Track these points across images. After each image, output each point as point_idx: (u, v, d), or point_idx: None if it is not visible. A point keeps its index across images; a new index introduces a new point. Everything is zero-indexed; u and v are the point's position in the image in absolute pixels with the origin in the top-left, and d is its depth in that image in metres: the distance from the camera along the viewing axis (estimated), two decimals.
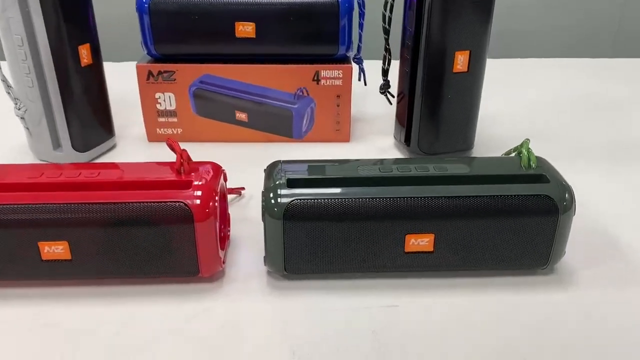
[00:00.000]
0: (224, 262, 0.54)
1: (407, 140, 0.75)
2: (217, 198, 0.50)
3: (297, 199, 0.49)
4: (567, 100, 0.96)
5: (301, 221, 0.49)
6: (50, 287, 0.52)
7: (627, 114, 0.91)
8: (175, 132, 0.80)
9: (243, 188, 0.67)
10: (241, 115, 0.79)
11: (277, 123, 0.79)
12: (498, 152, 0.76)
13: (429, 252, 0.51)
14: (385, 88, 0.76)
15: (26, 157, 0.76)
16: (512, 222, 0.50)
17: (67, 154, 0.73)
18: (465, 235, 0.51)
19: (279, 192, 0.50)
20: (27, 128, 0.73)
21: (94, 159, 0.76)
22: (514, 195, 0.50)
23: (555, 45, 1.33)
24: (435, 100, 0.70)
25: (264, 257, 0.52)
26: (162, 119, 0.79)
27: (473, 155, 0.76)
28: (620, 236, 0.60)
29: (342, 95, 0.78)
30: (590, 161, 0.77)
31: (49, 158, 0.74)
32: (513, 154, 0.57)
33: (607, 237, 0.60)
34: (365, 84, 0.81)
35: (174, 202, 0.49)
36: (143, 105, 0.78)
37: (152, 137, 0.80)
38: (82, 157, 0.74)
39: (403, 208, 0.49)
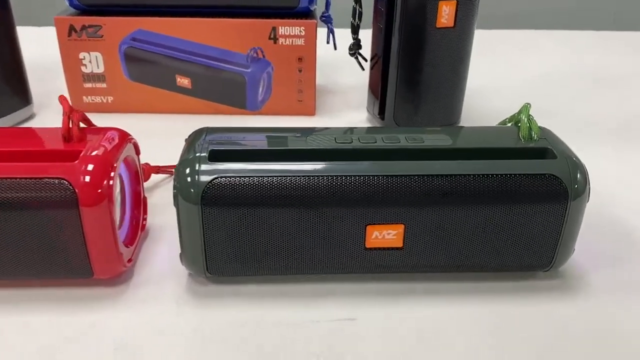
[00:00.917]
0: (130, 261, 0.41)
1: (382, 113, 0.63)
2: (113, 174, 0.37)
3: (220, 177, 0.37)
4: (570, 74, 0.83)
5: (226, 207, 0.37)
6: None
7: (637, 88, 0.79)
8: (105, 100, 0.67)
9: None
10: (183, 81, 0.66)
11: (227, 91, 0.66)
12: None
13: (397, 248, 0.39)
14: (355, 48, 0.63)
15: None
16: (505, 209, 0.38)
17: None
18: (445, 226, 0.38)
19: (196, 168, 0.37)
20: None
21: None
22: (509, 175, 0.38)
23: (556, 17, 1.21)
24: (415, 63, 0.58)
25: (180, 254, 0.39)
26: (88, 85, 0.66)
27: None
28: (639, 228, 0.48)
29: (305, 58, 0.65)
30: (598, 140, 0.64)
31: None
32: (509, 124, 0.45)
33: (624, 231, 0.48)
34: (335, 48, 0.68)
35: (52, 178, 0.36)
36: (65, 68, 0.65)
37: (79, 106, 0.67)
38: None
39: (363, 190, 0.37)
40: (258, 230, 0.37)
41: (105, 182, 0.37)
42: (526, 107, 0.42)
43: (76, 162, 0.37)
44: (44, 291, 0.40)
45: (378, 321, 0.38)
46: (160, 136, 0.58)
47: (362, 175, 0.37)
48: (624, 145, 0.63)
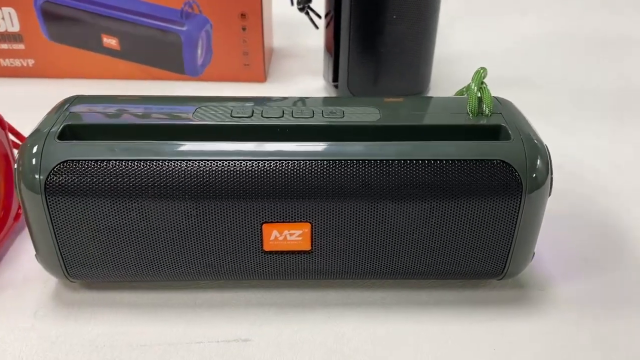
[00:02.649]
0: None
1: (336, 81, 0.54)
2: None
3: (69, 160, 0.28)
4: (569, 37, 0.72)
5: (78, 197, 0.29)
6: None
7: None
8: (25, 64, 0.59)
9: None
10: (110, 41, 0.57)
11: (161, 53, 0.57)
12: None
13: (304, 252, 0.31)
14: (303, 2, 0.53)
15: None
16: (442, 203, 0.29)
17: None
18: (365, 225, 0.30)
19: (40, 148, 0.29)
20: None
21: None
22: (447, 161, 0.29)
23: None
24: (372, 21, 0.48)
25: (35, 254, 0.32)
26: (4, 46, 0.58)
27: None
28: (633, 228, 0.39)
29: (249, 15, 0.56)
30: (592, 117, 0.54)
31: None
32: (465, 94, 0.36)
33: (613, 231, 0.39)
34: (292, 3, 0.59)
35: None
36: None
37: None
38: None
39: (256, 179, 0.29)
40: (123, 228, 0.29)
41: None
42: (479, 73, 0.33)
43: None
44: None
45: (278, 342, 0.31)
46: None
47: (256, 160, 0.29)
48: (624, 123, 0.53)
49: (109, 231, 0.30)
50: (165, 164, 0.29)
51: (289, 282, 0.34)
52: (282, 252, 0.31)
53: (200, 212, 0.29)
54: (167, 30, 0.56)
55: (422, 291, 0.34)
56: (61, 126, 0.30)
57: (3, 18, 0.56)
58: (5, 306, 0.32)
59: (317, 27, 0.56)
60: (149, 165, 0.29)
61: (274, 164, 0.29)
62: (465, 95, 0.35)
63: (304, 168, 0.29)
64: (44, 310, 0.32)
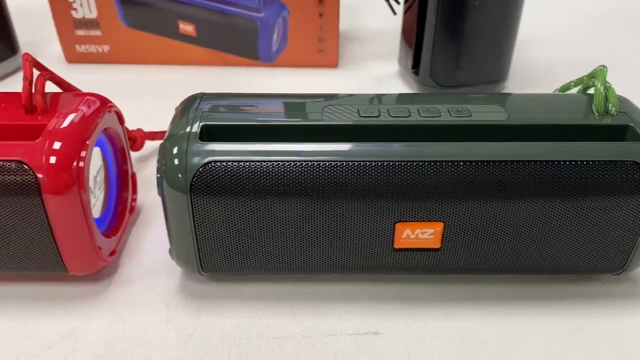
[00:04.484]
0: (113, 253, 0.34)
1: (416, 67, 0.54)
2: (85, 154, 0.30)
3: (215, 161, 0.29)
4: (628, 16, 0.72)
5: (221, 196, 0.29)
6: None
7: None
8: (100, 50, 0.59)
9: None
10: (186, 28, 0.57)
11: (236, 39, 0.57)
12: (546, 88, 0.55)
13: (433, 249, 0.32)
14: None
15: None
16: (573, 203, 0.30)
17: None
18: (496, 224, 0.30)
19: (184, 148, 0.30)
20: None
21: None
22: (583, 162, 0.29)
23: None
24: (458, 9, 0.48)
25: (170, 249, 0.33)
26: (80, 32, 0.58)
27: (506, 90, 0.55)
28: None
29: (327, 0, 0.55)
30: None
31: None
32: (575, 90, 0.36)
33: None
34: None
35: (8, 161, 0.29)
36: (54, 13, 0.57)
37: (72, 56, 0.60)
38: None
39: (391, 179, 0.29)
40: (262, 225, 0.30)
41: (74, 163, 0.30)
42: (602, 72, 0.33)
43: (38, 140, 0.30)
44: (9, 288, 0.34)
45: (408, 336, 0.32)
46: (161, 92, 0.50)
47: (390, 162, 0.29)
48: None
49: (246, 228, 0.30)
50: (306, 165, 0.29)
51: (407, 276, 0.35)
52: (411, 249, 0.31)
53: (336, 211, 0.30)
54: (244, 16, 0.56)
55: (534, 285, 0.34)
56: (199, 126, 0.31)
57: (82, 5, 0.56)
58: (137, 299, 0.34)
59: (395, 12, 0.56)
60: (289, 166, 0.29)
61: (410, 167, 0.29)
62: (575, 91, 0.35)
63: (440, 170, 0.29)
64: (175, 303, 0.33)
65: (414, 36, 0.53)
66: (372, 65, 0.60)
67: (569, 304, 0.33)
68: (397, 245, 0.31)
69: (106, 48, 0.59)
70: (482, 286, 0.34)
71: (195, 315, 0.33)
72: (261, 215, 0.30)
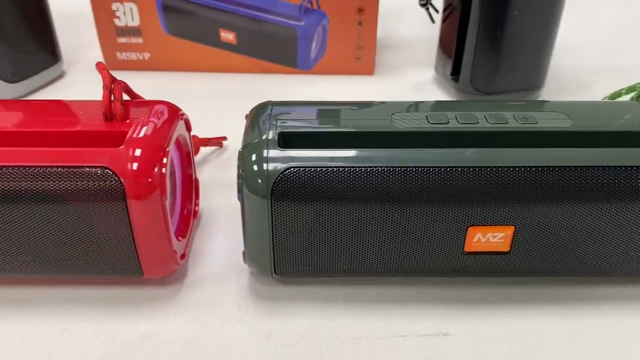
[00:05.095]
0: (183, 257, 0.35)
1: (455, 74, 0.55)
2: (166, 160, 0.31)
3: (294, 167, 0.30)
4: None
5: (300, 201, 0.30)
6: None
7: None
8: (141, 57, 0.60)
9: (224, 138, 0.48)
10: (227, 36, 0.58)
11: (276, 47, 0.58)
12: (583, 95, 0.56)
13: (501, 252, 0.33)
14: None
15: None
16: (636, 207, 0.31)
17: None
18: (565, 226, 0.31)
19: (265, 155, 0.31)
20: None
21: (30, 92, 0.57)
22: None
23: None
24: (501, 13, 0.49)
25: (243, 252, 0.34)
26: (122, 40, 0.59)
27: (542, 98, 0.56)
28: None
29: (367, 9, 0.57)
30: None
31: None
32: (627, 97, 0.37)
33: None
34: None
35: (93, 167, 0.30)
36: (97, 20, 0.58)
37: (112, 63, 0.60)
38: (15, 90, 0.55)
39: (466, 184, 0.30)
40: (338, 229, 0.31)
41: (156, 169, 0.31)
42: None
43: (122, 147, 0.31)
44: (85, 291, 0.35)
45: (477, 337, 0.33)
46: (203, 98, 0.51)
47: (467, 167, 0.30)
48: None
49: (322, 232, 0.31)
50: (381, 170, 0.30)
51: (470, 278, 0.35)
52: (480, 253, 0.32)
53: (411, 215, 0.31)
54: (285, 25, 0.57)
55: (590, 287, 0.35)
56: (277, 133, 0.32)
57: (124, 13, 0.57)
58: (208, 301, 0.34)
59: (433, 21, 0.57)
60: (367, 172, 0.30)
61: (487, 173, 0.30)
62: (627, 98, 0.36)
63: (514, 174, 0.30)
64: (246, 305, 0.34)
65: (453, 44, 0.54)
66: (407, 72, 0.61)
67: (630, 305, 0.34)
68: (467, 249, 0.32)
69: (147, 55, 0.60)
70: (545, 288, 0.35)
71: (267, 317, 0.33)
72: (338, 220, 0.31)
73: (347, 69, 0.60)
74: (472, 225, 0.31)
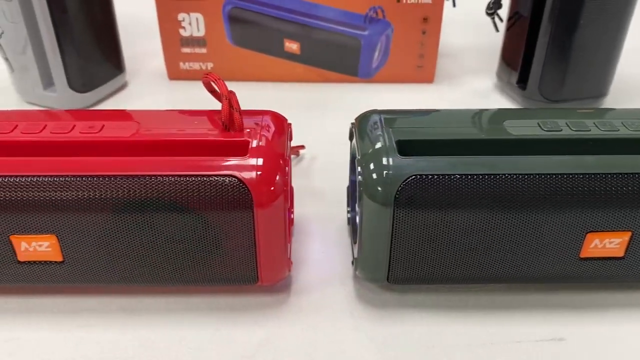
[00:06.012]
0: (290, 264, 0.36)
1: (522, 82, 0.55)
2: (287, 169, 0.32)
3: (418, 175, 0.30)
4: None
5: (421, 209, 0.31)
6: (29, 297, 0.35)
7: None
8: (204, 67, 0.61)
9: (302, 147, 0.48)
10: (292, 46, 0.59)
11: (338, 56, 0.59)
12: None
13: (615, 258, 0.33)
14: (495, 7, 0.55)
15: (8, 99, 0.57)
16: None
17: (63, 95, 0.54)
18: None
19: (385, 162, 0.31)
20: (7, 59, 0.54)
21: (97, 102, 0.57)
22: None
23: None
24: (573, 23, 0.50)
25: (354, 259, 0.34)
26: (186, 50, 0.60)
27: (606, 105, 0.56)
28: None
29: (431, 19, 0.57)
30: None
31: (38, 100, 0.56)
32: None
33: None
34: (455, 5, 0.60)
35: (220, 176, 0.30)
36: (162, 31, 0.59)
37: (174, 73, 0.61)
38: (83, 100, 0.56)
39: (589, 191, 0.31)
40: (458, 236, 0.32)
41: (278, 177, 0.31)
42: None
43: (247, 155, 0.31)
44: (197, 299, 0.35)
45: (591, 341, 0.33)
46: (267, 107, 0.52)
47: (588, 173, 0.31)
48: None
49: (442, 239, 0.32)
50: (504, 178, 0.30)
51: (575, 284, 0.36)
52: (595, 259, 0.33)
53: (532, 222, 0.31)
54: (349, 34, 0.57)
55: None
56: (394, 140, 0.32)
57: (190, 23, 0.58)
58: (319, 307, 0.35)
59: (497, 29, 0.58)
60: (491, 179, 0.30)
61: (604, 177, 0.31)
62: None
63: (634, 181, 0.31)
64: (358, 312, 0.34)
65: (520, 53, 0.54)
66: (467, 80, 0.62)
67: None
68: (582, 255, 0.32)
69: (210, 65, 0.61)
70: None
71: (380, 323, 0.34)
72: (459, 227, 0.31)
73: (408, 77, 0.61)
74: (591, 231, 0.32)
